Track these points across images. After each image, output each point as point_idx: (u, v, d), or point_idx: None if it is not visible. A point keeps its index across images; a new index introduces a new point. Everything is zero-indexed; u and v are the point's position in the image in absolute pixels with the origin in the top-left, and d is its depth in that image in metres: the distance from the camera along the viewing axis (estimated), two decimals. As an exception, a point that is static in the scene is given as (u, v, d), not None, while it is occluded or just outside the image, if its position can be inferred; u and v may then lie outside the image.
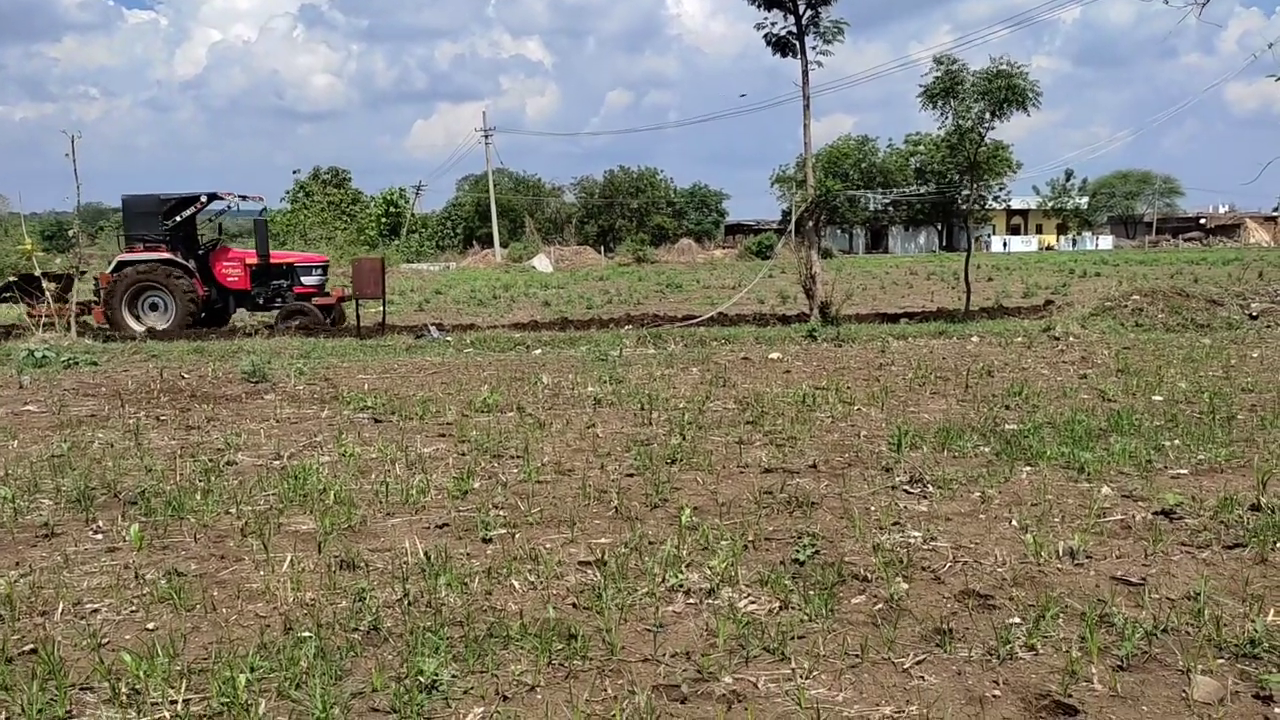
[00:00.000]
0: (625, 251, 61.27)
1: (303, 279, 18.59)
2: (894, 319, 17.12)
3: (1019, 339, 13.42)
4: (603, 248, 67.48)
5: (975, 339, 13.74)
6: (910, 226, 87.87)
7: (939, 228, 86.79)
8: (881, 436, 7.07)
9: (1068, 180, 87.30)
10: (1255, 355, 11.27)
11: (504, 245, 67.12)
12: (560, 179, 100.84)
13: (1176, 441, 6.70)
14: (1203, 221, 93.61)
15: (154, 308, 17.76)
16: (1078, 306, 16.26)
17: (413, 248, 64.33)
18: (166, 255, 17.99)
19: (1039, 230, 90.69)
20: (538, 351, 13.49)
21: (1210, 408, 7.71)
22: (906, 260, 58.50)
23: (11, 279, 19.32)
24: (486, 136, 66.52)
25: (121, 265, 17.88)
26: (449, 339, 14.86)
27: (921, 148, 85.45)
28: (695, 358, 12.11)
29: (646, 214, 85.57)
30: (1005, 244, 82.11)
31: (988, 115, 16.60)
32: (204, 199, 18.76)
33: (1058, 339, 13.25)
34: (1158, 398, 8.58)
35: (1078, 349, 12.30)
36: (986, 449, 6.59)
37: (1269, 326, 14.20)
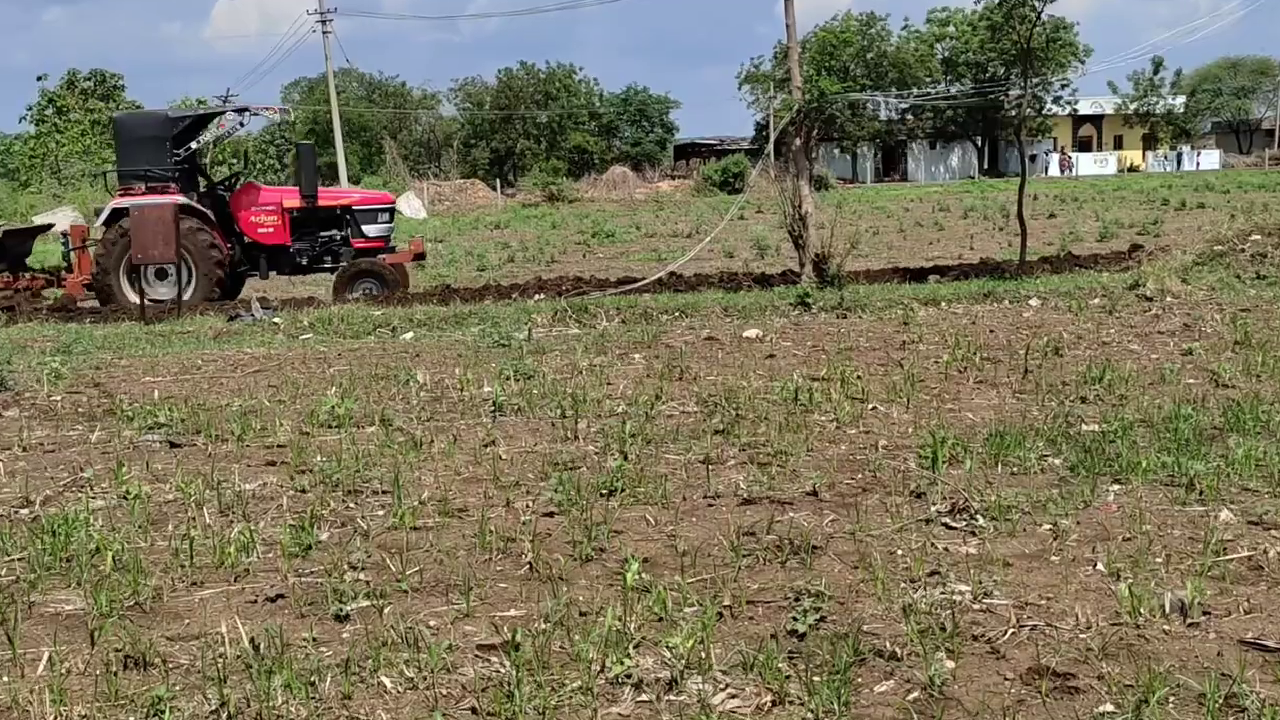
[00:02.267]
0: (532, 186, 61.19)
1: (364, 227, 19.11)
2: (919, 276, 17.30)
3: (1096, 300, 13.63)
4: (499, 181, 67.26)
5: (1035, 302, 13.92)
6: (938, 143, 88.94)
7: (978, 144, 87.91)
8: (908, 447, 7.11)
9: (1156, 73, 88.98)
10: None
11: (355, 180, 66.42)
12: (435, 83, 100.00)
13: (1321, 442, 6.83)
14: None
15: (162, 274, 18.10)
16: (1176, 252, 16.57)
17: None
18: (180, 198, 18.11)
19: (1118, 145, 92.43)
20: (408, 335, 13.37)
21: (1365, 393, 7.89)
22: (934, 190, 59.24)
23: None
24: (324, 21, 65.67)
25: (117, 215, 17.95)
26: (278, 320, 14.69)
27: (951, 30, 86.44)
28: (638, 339, 12.09)
29: (561, 131, 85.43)
30: (1072, 164, 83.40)
31: (1045, -18, 16.80)
32: (232, 115, 19.22)
33: (1150, 299, 13.48)
34: (1292, 380, 8.77)
35: (1178, 313, 12.52)
36: (1057, 460, 6.65)
37: None
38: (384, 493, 6.50)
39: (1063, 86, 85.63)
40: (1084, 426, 7.38)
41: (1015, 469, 6.55)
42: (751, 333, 12.21)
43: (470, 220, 46.36)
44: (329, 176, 71.41)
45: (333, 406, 8.59)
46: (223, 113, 19.57)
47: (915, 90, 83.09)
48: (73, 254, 19.05)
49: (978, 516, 5.67)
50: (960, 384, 9.13)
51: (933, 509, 5.83)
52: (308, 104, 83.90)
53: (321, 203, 19.02)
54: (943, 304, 14.03)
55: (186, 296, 17.66)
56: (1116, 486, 6.15)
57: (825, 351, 10.90)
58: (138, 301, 17.02)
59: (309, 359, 11.77)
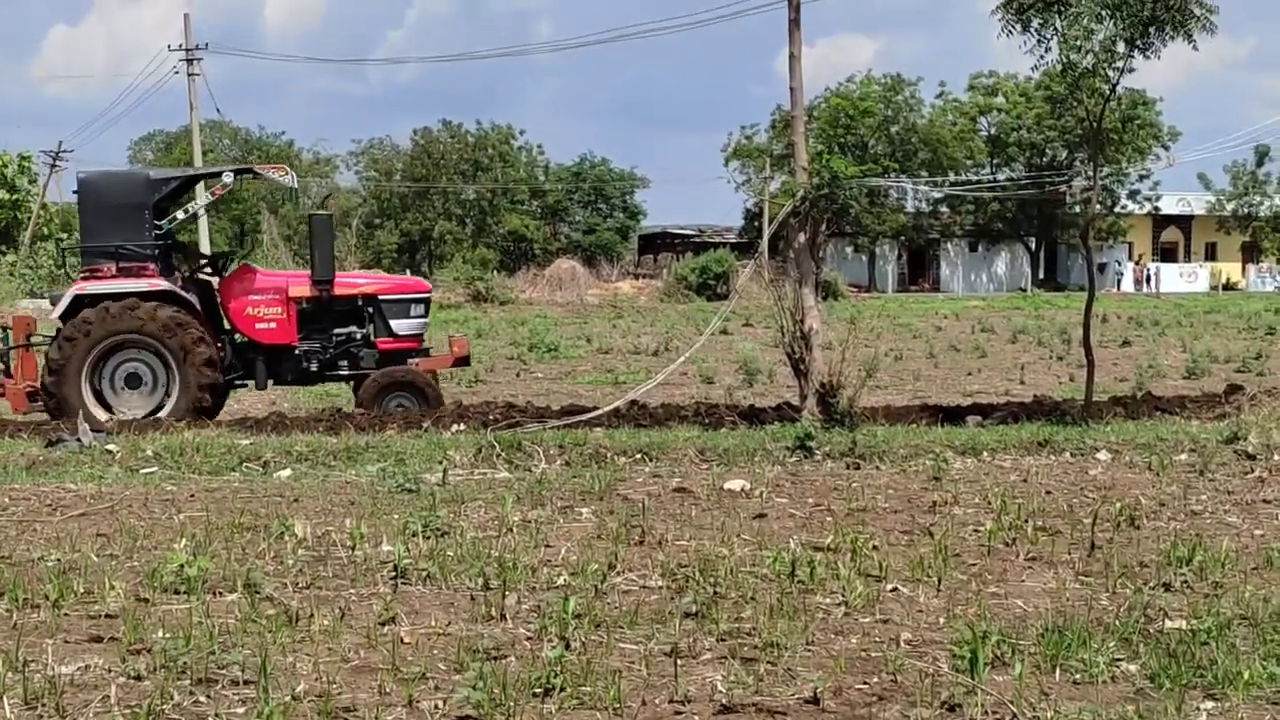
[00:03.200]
0: (453, 281, 61.41)
1: (392, 323, 19.23)
2: (955, 416, 17.37)
3: (1183, 456, 13.71)
4: (409, 272, 67.40)
5: (1104, 455, 13.99)
6: (980, 244, 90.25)
7: (1031, 247, 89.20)
8: (939, 643, 7.07)
9: (1260, 165, 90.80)
10: None
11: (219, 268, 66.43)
12: (331, 143, 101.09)
13: None
14: None
15: (134, 381, 18.11)
16: (1286, 397, 16.74)
17: (42, 267, 63.14)
18: (161, 284, 18.14)
19: (1211, 254, 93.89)
20: (285, 473, 13.27)
21: None
22: (974, 304, 59.93)
23: None
24: (190, 60, 66.30)
25: (80, 303, 17.93)
26: (112, 447, 14.57)
27: (1000, 101, 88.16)
28: (587, 488, 12.03)
29: (493, 212, 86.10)
30: (1149, 277, 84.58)
31: (1121, 45, 17.15)
32: (230, 178, 19.46)
33: (1253, 457, 13.57)
34: None
35: (1289, 476, 12.61)
36: (1133, 667, 6.63)
37: None
38: (247, 683, 6.39)
39: (1141, 178, 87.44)
40: (1168, 623, 7.37)
41: (1079, 677, 6.51)
42: (736, 484, 12.17)
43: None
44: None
45: (181, 565, 8.46)
46: (218, 174, 19.67)
47: (952, 176, 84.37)
48: (13, 354, 18.89)
49: (1030, 739, 5.64)
50: (1007, 561, 9.12)
51: (971, 727, 5.79)
52: (163, 163, 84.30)
53: (338, 291, 19.06)
54: (985, 454, 14.07)
55: (166, 410, 17.69)
56: (1210, 704, 6.13)
57: (832, 512, 10.88)
58: (106, 417, 17.08)
59: (152, 500, 11.61)
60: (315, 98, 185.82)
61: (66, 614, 7.71)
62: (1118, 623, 7.36)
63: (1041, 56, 17.25)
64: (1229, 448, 13.91)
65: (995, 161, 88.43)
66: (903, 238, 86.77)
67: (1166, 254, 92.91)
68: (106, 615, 7.66)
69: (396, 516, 10.49)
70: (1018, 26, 16.86)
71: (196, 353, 17.87)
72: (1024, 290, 78.99)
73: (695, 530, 10.12)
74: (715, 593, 8.06)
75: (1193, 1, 16.49)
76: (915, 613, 7.74)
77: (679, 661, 6.69)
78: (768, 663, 6.75)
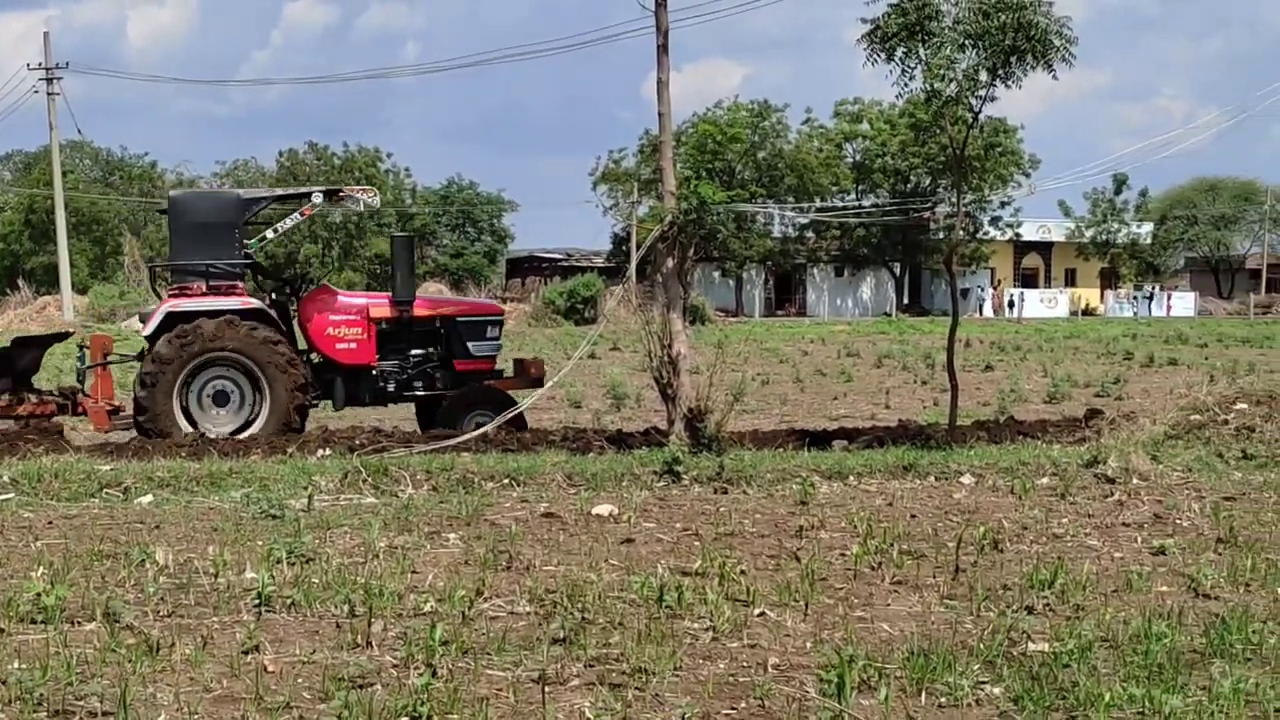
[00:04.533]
0: (318, 304, 60.89)
1: (469, 344, 19.42)
2: (822, 440, 17.47)
3: (1045, 480, 13.90)
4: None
5: (968, 479, 14.15)
6: (845, 269, 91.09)
7: (895, 273, 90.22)
8: (806, 667, 7.11)
9: (1118, 193, 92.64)
10: None
11: (81, 290, 65.55)
12: (195, 165, 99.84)
13: (1326, 672, 7.00)
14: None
15: (221, 399, 18.26)
16: (1144, 422, 17.01)
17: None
18: (253, 303, 18.34)
19: (1070, 280, 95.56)
20: (147, 499, 13.08)
21: (1379, 609, 8.13)
22: (840, 329, 60.48)
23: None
24: (49, 79, 65.33)
25: (172, 320, 17.91)
26: (-33, 473, 14.26)
27: (865, 128, 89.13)
28: (454, 513, 11.98)
29: (360, 235, 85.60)
30: (1012, 303, 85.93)
31: (984, 74, 17.38)
32: (319, 198, 19.39)
33: (1112, 480, 13.78)
34: (1289, 590, 8.99)
35: (1147, 500, 12.82)
36: (997, 690, 6.71)
37: None
38: (106, 715, 6.32)
39: (1003, 205, 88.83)
40: (1031, 645, 7.47)
41: (944, 700, 6.58)
42: (603, 509, 12.17)
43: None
44: (45, 281, 70.57)
45: (39, 594, 8.32)
46: (308, 195, 19.68)
47: (819, 201, 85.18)
48: (88, 372, 18.94)
49: (896, 762, 5.68)
50: (874, 585, 9.19)
51: (838, 751, 5.81)
52: (21, 185, 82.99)
53: (417, 312, 19.23)
54: (851, 478, 14.16)
55: (255, 429, 17.76)
56: (1072, 726, 6.22)
57: (700, 537, 10.90)
58: (191, 433, 17.30)
59: (8, 527, 11.42)
60: (179, 118, 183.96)
61: (-82, 645, 7.54)
62: (982, 645, 7.45)
63: (906, 85, 17.35)
64: (1089, 471, 14.13)
65: (861, 188, 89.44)
66: (769, 263, 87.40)
67: (1027, 280, 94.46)
68: (-41, 646, 7.50)
69: (261, 543, 10.38)
70: (882, 55, 17.01)
71: (290, 374, 18.11)
72: (889, 315, 79.88)
73: (563, 555, 10.11)
74: (583, 618, 8.05)
75: (1053, 33, 16.72)
76: (783, 637, 7.78)
77: (547, 688, 6.68)
78: (636, 689, 6.75)
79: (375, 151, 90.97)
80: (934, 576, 9.40)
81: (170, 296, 18.55)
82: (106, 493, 13.43)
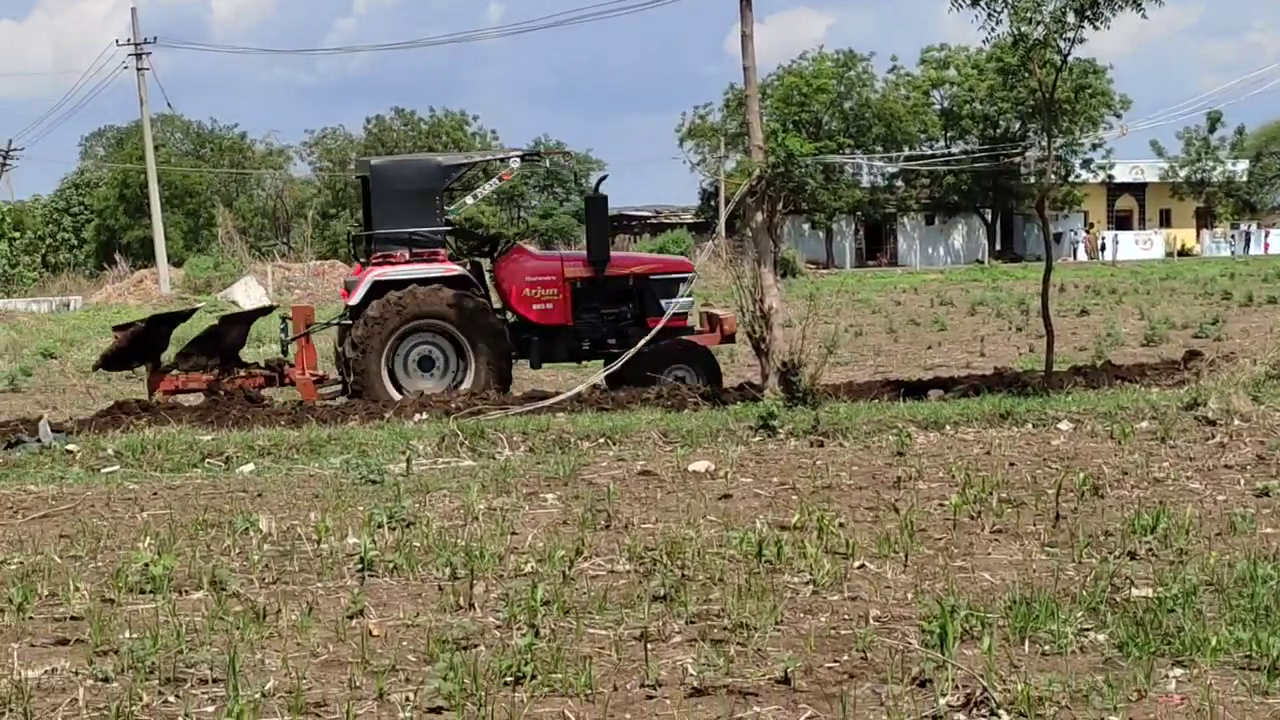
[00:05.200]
0: (410, 269, 61.17)
1: (661, 301, 19.51)
2: (917, 390, 17.42)
3: (1144, 424, 13.80)
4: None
5: (1066, 425, 14.07)
6: (936, 217, 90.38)
7: (988, 219, 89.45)
8: (907, 618, 7.10)
9: (1212, 131, 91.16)
10: None
11: (177, 263, 66.26)
12: (284, 135, 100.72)
13: None
14: None
15: (426, 364, 18.82)
16: (1244, 362, 16.82)
17: (-5, 269, 63.03)
18: (456, 269, 18.96)
19: (1165, 221, 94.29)
20: (248, 468, 13.24)
21: None
22: (932, 277, 60.09)
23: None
24: (139, 54, 65.93)
25: (379, 288, 18.50)
26: (72, 447, 14.49)
27: (952, 74, 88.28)
28: (552, 474, 12.05)
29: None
30: (1100, 246, 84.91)
31: (1070, 15, 17.19)
32: (517, 163, 20.22)
33: (1213, 423, 13.66)
34: (1397, 529, 8.88)
35: (1249, 441, 12.71)
36: (1101, 637, 6.67)
37: None
38: (216, 681, 6.37)
39: (1094, 147, 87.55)
40: (1134, 591, 7.43)
41: (1048, 648, 6.55)
42: (700, 465, 12.20)
43: (331, 314, 46.19)
44: (141, 255, 71.35)
45: (146, 564, 8.44)
46: (505, 160, 20.29)
47: (907, 150, 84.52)
48: (292, 344, 19.46)
49: (1001, 711, 5.66)
50: (973, 534, 9.16)
51: (942, 702, 5.80)
52: (115, 160, 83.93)
53: (611, 271, 19.55)
54: (948, 428, 14.14)
55: (465, 387, 18.27)
56: (1179, 671, 6.17)
57: (797, 491, 10.91)
58: (397, 396, 17.91)
59: (114, 500, 11.57)
60: (266, 89, 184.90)
61: (31, 617, 7.68)
62: (1084, 593, 7.41)
63: (992, 29, 17.24)
64: (1189, 414, 14.01)
65: (949, 135, 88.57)
66: (859, 213, 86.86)
67: (1121, 222, 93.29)
68: (72, 617, 7.64)
69: (361, 508, 10.47)
70: (967, 1, 16.88)
71: (497, 341, 18.63)
72: (981, 262, 79.20)
73: (661, 513, 10.14)
74: (683, 575, 8.08)
75: (1141, -29, 16.54)
76: (883, 589, 7.77)
77: (649, 645, 6.71)
78: (737, 644, 6.76)
79: (461, 115, 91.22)
80: (1034, 524, 9.36)
81: (374, 264, 18.96)
82: (209, 462, 13.63)
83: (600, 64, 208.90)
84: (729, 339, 20.08)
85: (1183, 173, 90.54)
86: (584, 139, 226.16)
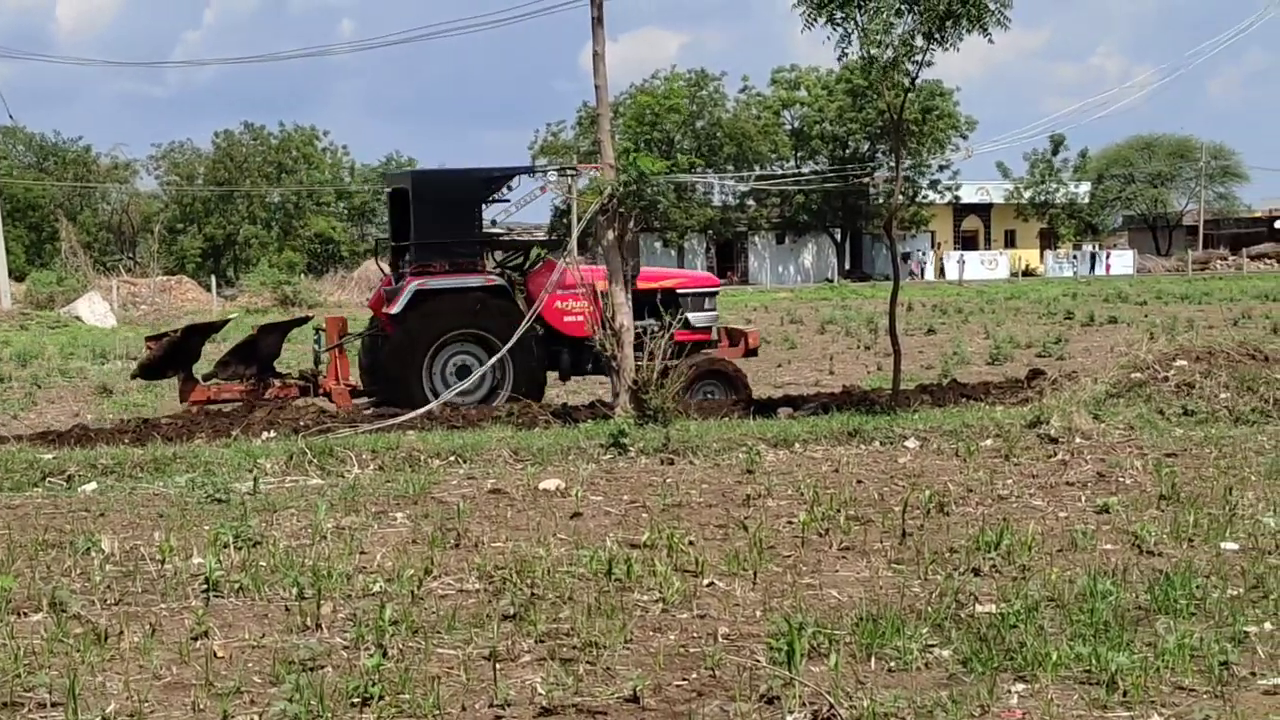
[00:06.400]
0: (259, 285, 60.55)
1: (689, 315, 19.73)
2: (766, 408, 17.54)
3: (989, 442, 13.99)
4: (215, 278, 66.47)
5: (913, 443, 14.23)
6: (786, 236, 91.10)
7: (837, 239, 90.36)
8: (756, 636, 7.14)
9: (1055, 153, 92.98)
10: (1384, 462, 12.18)
11: (19, 277, 64.88)
12: (130, 148, 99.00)
13: (1268, 625, 7.09)
14: (1279, 225, 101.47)
15: (464, 373, 19.00)
16: (1085, 381, 17.13)
17: None
18: (496, 279, 19.33)
19: (1010, 242, 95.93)
20: (90, 487, 12.98)
21: (1320, 561, 8.23)
22: (782, 296, 60.56)
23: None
24: (-18, 65, 64.49)
25: (420, 297, 18.72)
26: (-92, 466, 14.13)
27: (803, 94, 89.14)
28: (401, 492, 11.95)
29: (299, 215, 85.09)
30: (924, 266, 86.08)
31: (919, 38, 17.42)
32: (555, 176, 20.92)
33: (1055, 440, 13.89)
34: (1230, 545, 9.07)
35: (1090, 459, 12.93)
36: (946, 652, 6.76)
37: (1402, 410, 15.37)
38: (55, 705, 6.27)
39: (941, 168, 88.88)
40: (978, 607, 7.53)
41: (893, 664, 6.63)
42: (550, 484, 12.17)
43: (179, 330, 45.51)
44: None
45: (-17, 586, 8.27)
46: (544, 172, 20.75)
47: (758, 169, 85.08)
48: (325, 354, 19.57)
49: (847, 728, 5.70)
50: (821, 551, 9.23)
51: (789, 719, 5.83)
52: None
53: (640, 285, 19.45)
54: (797, 445, 14.24)
55: (498, 401, 18.44)
56: (1021, 686, 6.28)
57: (647, 509, 10.93)
58: (430, 400, 17.99)
59: (-50, 519, 11.31)
60: (112, 101, 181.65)
61: None
62: (930, 609, 7.50)
63: (843, 51, 17.46)
64: (1032, 432, 14.23)
65: (799, 154, 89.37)
66: (711, 232, 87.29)
67: (967, 242, 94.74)
68: (-96, 641, 7.44)
69: (207, 528, 10.31)
70: (819, 20, 17.03)
71: (532, 349, 18.79)
72: (831, 281, 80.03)
73: (511, 531, 10.11)
74: (533, 594, 8.06)
75: (988, -5, 16.80)
76: (732, 607, 7.80)
77: (498, 665, 6.69)
78: (587, 662, 6.76)
79: (312, 130, 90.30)
80: (881, 541, 9.45)
81: (413, 275, 19.07)
82: (50, 481, 13.33)
83: (453, 80, 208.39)
84: (752, 353, 20.54)
85: (1027, 194, 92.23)
86: (437, 155, 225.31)
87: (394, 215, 20.65)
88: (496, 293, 18.97)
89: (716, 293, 21.28)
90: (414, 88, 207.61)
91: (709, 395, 18.76)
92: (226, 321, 22.87)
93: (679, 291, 20.19)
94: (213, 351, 21.53)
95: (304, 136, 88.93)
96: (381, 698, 6.23)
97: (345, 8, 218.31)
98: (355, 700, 6.21)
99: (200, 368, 19.76)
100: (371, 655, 6.80)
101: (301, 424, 16.80)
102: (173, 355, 19.18)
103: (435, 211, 19.31)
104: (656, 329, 19.62)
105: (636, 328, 19.53)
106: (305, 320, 22.86)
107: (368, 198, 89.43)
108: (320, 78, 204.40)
